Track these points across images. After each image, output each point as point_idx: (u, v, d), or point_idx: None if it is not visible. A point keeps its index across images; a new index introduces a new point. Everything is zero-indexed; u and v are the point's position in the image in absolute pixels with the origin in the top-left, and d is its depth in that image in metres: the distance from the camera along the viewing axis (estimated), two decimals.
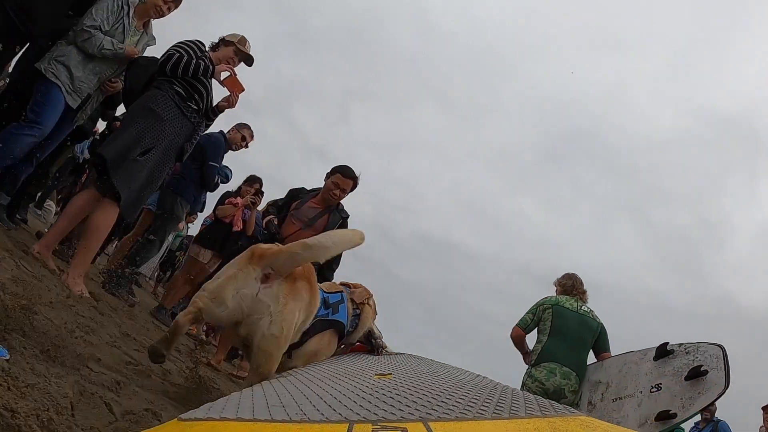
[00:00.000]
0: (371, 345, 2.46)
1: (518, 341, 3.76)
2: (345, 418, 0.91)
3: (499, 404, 1.00)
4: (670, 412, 2.97)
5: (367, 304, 2.37)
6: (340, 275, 3.19)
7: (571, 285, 3.88)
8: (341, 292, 2.29)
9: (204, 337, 5.23)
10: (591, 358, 3.73)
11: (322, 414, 0.95)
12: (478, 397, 1.06)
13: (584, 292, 3.88)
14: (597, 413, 3.38)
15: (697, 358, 3.11)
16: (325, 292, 2.18)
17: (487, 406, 0.98)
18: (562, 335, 3.57)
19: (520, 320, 3.75)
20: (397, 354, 2.53)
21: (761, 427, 4.73)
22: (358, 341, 2.45)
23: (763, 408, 4.74)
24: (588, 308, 3.76)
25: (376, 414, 0.93)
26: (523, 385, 3.66)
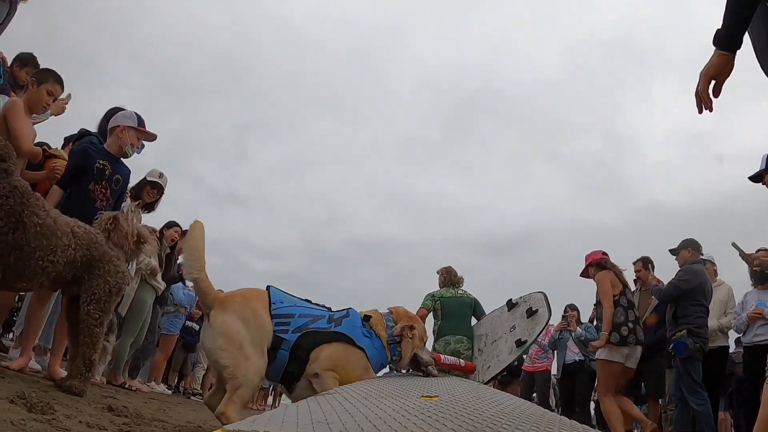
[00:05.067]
0: (421, 372, 2.67)
1: (424, 319, 4.70)
2: None
3: None
4: (522, 340, 4.21)
5: (407, 336, 2.62)
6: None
7: (448, 278, 5.19)
8: (356, 315, 2.60)
9: None
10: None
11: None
12: (524, 425, 1.05)
13: (460, 279, 5.21)
14: (484, 355, 4.62)
15: (529, 303, 4.42)
16: (330, 310, 2.59)
17: None
18: (450, 316, 4.92)
19: (424, 304, 5.03)
20: (446, 376, 2.69)
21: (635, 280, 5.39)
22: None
23: (634, 263, 5.45)
24: (463, 291, 5.14)
25: None
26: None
